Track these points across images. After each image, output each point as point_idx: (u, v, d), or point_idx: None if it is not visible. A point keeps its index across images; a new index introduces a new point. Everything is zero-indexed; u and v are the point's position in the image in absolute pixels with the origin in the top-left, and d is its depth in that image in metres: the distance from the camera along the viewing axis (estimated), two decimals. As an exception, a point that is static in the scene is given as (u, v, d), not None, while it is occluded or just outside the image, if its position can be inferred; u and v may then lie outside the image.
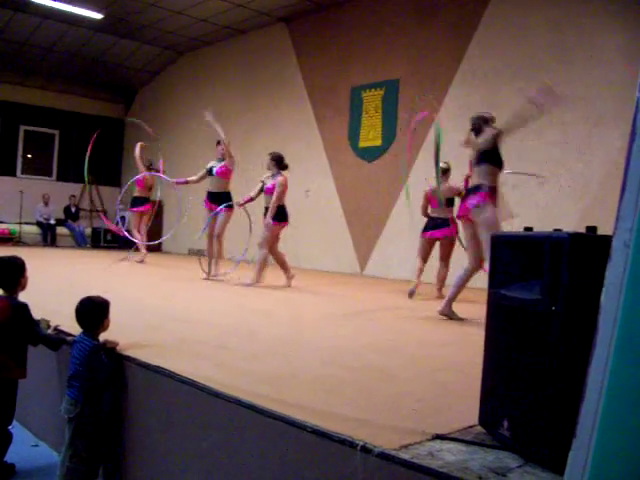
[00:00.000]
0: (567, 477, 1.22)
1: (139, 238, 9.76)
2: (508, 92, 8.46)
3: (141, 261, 9.68)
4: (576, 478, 1.16)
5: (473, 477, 1.69)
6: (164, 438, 2.82)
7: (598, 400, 1.13)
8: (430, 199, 7.01)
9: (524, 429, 1.85)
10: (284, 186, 7.05)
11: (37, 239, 14.28)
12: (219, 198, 7.66)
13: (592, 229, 1.83)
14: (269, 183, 7.15)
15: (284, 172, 7.25)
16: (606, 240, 1.67)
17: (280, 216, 7.08)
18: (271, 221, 7.00)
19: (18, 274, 3.40)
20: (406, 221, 6.86)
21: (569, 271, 1.72)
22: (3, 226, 13.85)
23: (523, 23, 8.33)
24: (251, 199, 7.39)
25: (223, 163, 7.68)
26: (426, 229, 7.05)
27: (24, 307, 3.35)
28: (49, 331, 3.48)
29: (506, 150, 8.50)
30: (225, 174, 7.70)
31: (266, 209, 7.16)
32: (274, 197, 6.96)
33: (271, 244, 7.17)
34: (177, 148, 14.73)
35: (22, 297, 3.51)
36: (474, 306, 6.24)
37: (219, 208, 7.55)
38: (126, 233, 9.42)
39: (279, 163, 7.21)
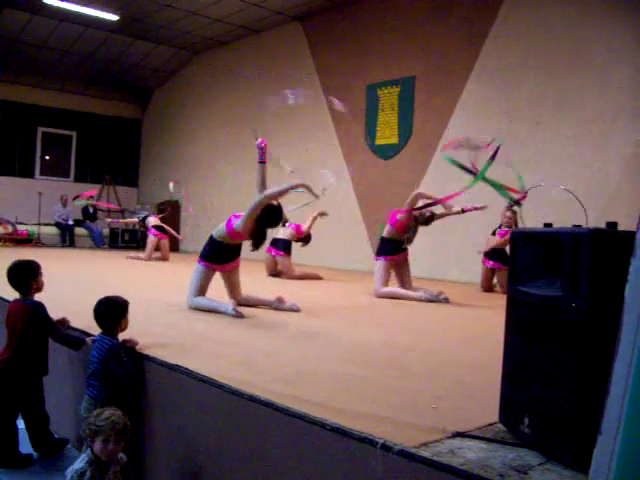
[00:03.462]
0: (593, 474, 1.20)
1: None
2: (525, 88, 8.40)
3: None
4: (602, 475, 1.14)
5: (494, 475, 1.68)
6: (184, 437, 2.83)
7: (623, 395, 1.11)
8: None
9: (545, 426, 1.83)
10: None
11: (56, 240, 14.39)
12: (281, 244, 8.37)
13: (612, 225, 1.81)
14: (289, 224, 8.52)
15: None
16: (627, 236, 1.65)
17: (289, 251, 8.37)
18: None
19: (29, 277, 3.45)
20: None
21: (590, 267, 1.70)
22: (22, 227, 13.97)
23: (540, 18, 8.24)
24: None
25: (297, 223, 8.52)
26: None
27: (39, 306, 3.43)
28: (55, 319, 3.53)
29: (524, 149, 8.44)
30: (296, 230, 8.46)
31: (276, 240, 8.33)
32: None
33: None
34: (193, 148, 14.79)
35: (43, 299, 3.56)
36: (480, 299, 6.24)
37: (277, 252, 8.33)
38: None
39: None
